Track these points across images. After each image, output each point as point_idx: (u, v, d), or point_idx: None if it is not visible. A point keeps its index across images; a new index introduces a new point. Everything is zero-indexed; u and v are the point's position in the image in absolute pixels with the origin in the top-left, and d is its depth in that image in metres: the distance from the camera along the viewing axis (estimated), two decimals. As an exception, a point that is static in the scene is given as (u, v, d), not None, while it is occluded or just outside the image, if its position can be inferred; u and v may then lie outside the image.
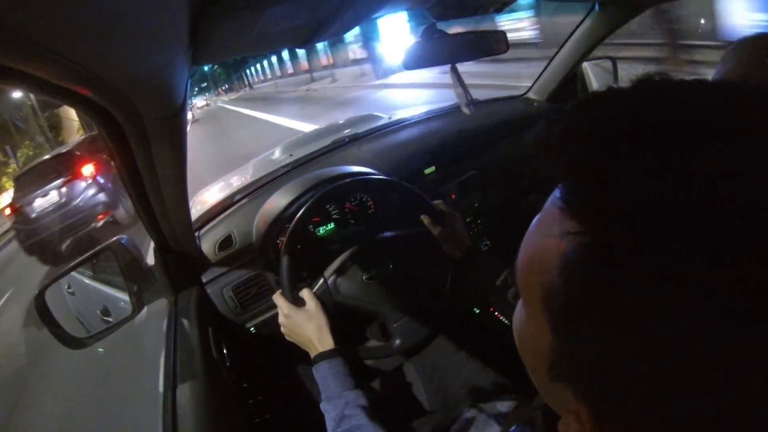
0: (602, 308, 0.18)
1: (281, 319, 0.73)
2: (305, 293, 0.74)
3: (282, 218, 0.91)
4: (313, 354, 0.69)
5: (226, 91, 59.10)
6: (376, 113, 1.79)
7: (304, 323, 0.70)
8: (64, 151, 5.20)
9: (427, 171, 1.13)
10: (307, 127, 6.27)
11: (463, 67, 0.85)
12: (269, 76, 35.61)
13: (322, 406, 0.63)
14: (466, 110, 1.00)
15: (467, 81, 0.86)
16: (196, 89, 64.30)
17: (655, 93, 0.20)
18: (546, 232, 0.21)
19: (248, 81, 43.58)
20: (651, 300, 0.17)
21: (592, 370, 0.20)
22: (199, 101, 42.14)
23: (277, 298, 0.75)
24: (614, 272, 0.17)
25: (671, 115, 0.18)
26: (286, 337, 0.74)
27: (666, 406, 0.17)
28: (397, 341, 0.81)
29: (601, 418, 0.20)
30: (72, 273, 0.74)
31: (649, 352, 0.17)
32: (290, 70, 26.99)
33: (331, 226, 0.99)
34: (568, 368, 0.21)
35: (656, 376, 0.17)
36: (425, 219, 0.85)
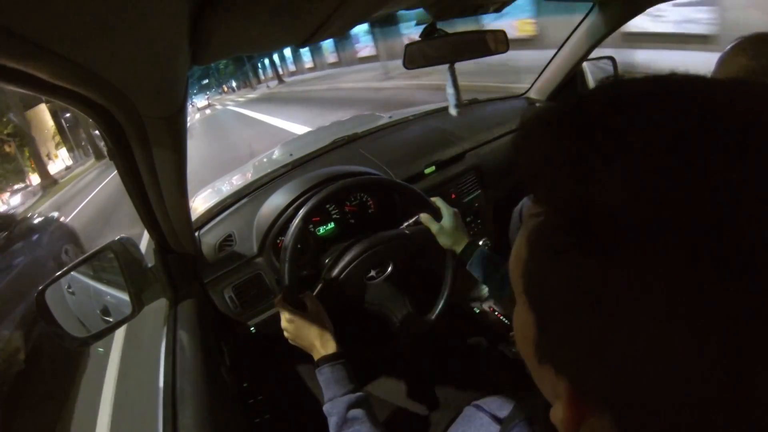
0: (557, 280, 0.20)
1: (284, 324, 0.73)
2: (307, 296, 0.74)
3: (282, 218, 0.91)
4: (316, 357, 0.69)
5: (234, 89, 48.90)
6: (376, 113, 1.79)
7: (307, 327, 0.70)
8: None
9: (427, 171, 1.13)
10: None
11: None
12: (307, 66, 23.96)
13: (325, 408, 0.63)
14: (453, 111, 1.01)
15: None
16: (196, 88, 57.67)
17: (614, 97, 0.21)
18: (524, 226, 0.24)
19: (276, 72, 31.43)
20: (593, 276, 0.18)
21: (563, 343, 0.21)
22: (199, 101, 35.72)
23: (279, 303, 0.74)
24: (559, 245, 0.20)
25: (619, 112, 0.20)
26: (290, 341, 0.74)
27: (626, 375, 0.18)
28: (398, 341, 0.81)
29: (577, 393, 0.21)
30: (72, 273, 0.74)
31: (600, 323, 0.18)
32: (363, 51, 15.78)
33: (331, 226, 0.99)
34: (548, 347, 0.23)
35: (612, 349, 0.18)
36: (423, 216, 0.85)
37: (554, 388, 0.23)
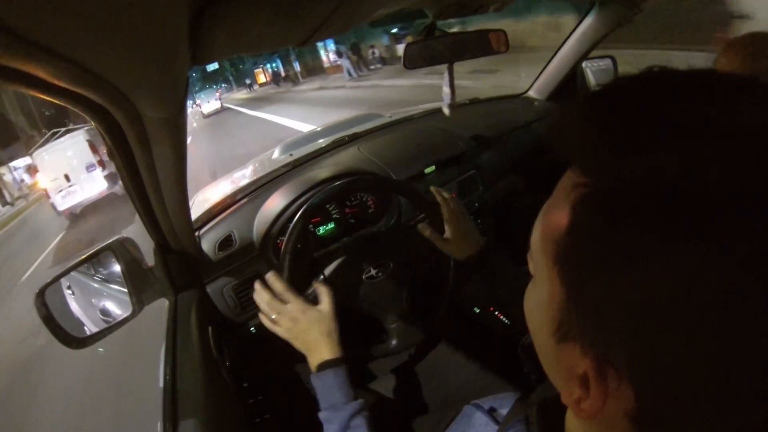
0: (602, 247, 0.20)
1: (287, 321, 0.68)
2: (322, 289, 0.69)
3: (282, 218, 0.91)
4: (315, 360, 0.65)
5: (277, 81, 25.66)
6: (376, 112, 1.79)
7: (313, 324, 0.66)
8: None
9: (427, 171, 1.13)
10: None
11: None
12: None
13: (323, 415, 0.61)
14: (446, 111, 1.00)
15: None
16: (198, 84, 38.49)
17: (660, 81, 0.22)
18: (558, 199, 0.24)
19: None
20: (642, 240, 0.19)
21: (598, 314, 0.21)
22: (206, 101, 20.90)
23: (289, 296, 0.69)
24: (611, 210, 0.20)
25: (670, 98, 0.20)
26: (282, 336, 0.68)
27: (663, 344, 0.19)
28: (395, 341, 0.81)
29: (606, 367, 0.21)
30: (72, 273, 0.74)
31: (646, 290, 0.19)
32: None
33: (331, 226, 0.99)
34: (576, 323, 0.22)
35: (649, 313, 0.19)
36: (423, 228, 0.79)
37: (573, 368, 0.23)
